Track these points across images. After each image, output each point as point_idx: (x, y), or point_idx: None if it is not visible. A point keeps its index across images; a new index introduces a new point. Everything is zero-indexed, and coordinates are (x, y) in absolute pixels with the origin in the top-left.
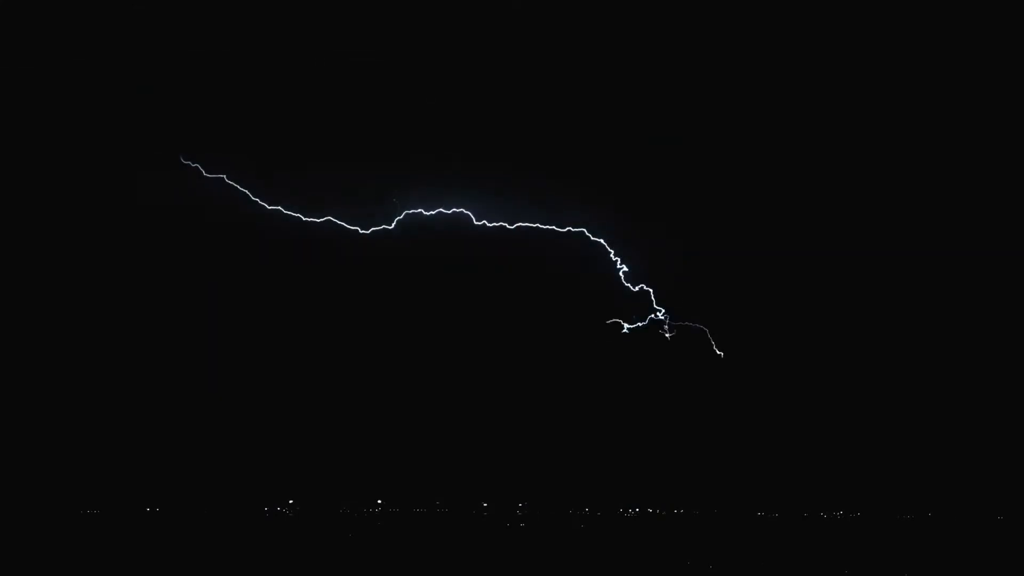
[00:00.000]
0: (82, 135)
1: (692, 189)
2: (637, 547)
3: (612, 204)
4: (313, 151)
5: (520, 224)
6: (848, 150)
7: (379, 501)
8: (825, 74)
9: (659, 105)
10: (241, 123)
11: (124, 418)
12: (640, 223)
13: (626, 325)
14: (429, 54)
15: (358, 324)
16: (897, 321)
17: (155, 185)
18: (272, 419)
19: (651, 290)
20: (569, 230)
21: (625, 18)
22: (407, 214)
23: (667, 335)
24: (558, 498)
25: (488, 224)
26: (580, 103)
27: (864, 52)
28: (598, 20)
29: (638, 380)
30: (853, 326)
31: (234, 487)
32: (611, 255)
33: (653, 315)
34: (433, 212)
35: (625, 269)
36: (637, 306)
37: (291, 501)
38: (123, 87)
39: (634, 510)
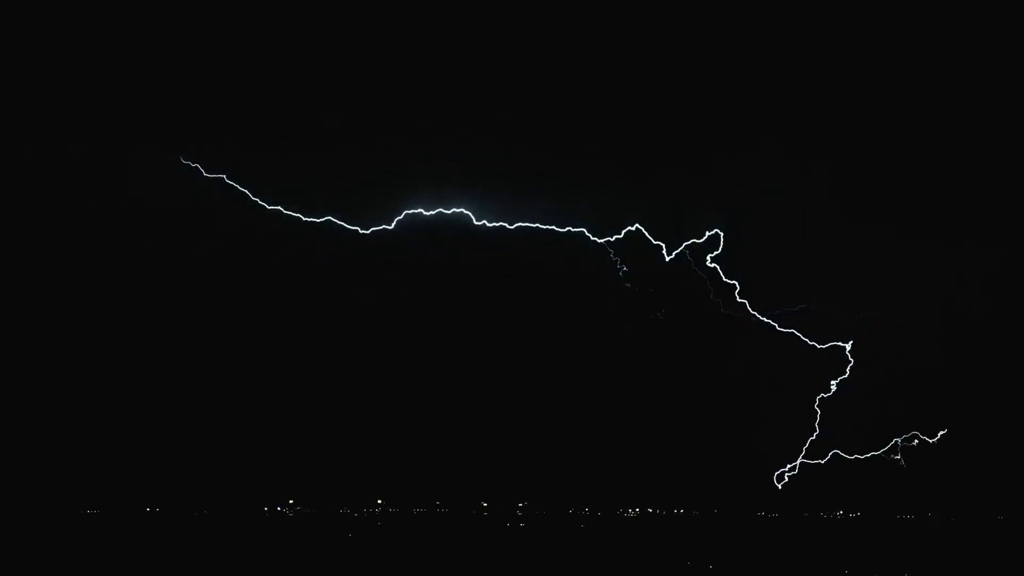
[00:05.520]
0: (81, 134)
1: (692, 188)
2: (637, 547)
3: (612, 204)
4: (314, 151)
5: (520, 224)
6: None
7: (379, 501)
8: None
9: (659, 103)
10: (241, 123)
11: (124, 418)
12: (641, 222)
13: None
14: (429, 53)
15: (358, 324)
16: (894, 320)
17: (154, 185)
18: (272, 419)
19: (651, 290)
20: (569, 230)
21: (624, 16)
22: (407, 214)
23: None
24: (558, 498)
25: (488, 224)
26: (580, 102)
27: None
28: (598, 18)
29: (638, 380)
30: (851, 326)
31: (234, 487)
32: (611, 255)
33: (653, 315)
34: (433, 212)
35: (625, 269)
36: (637, 306)
37: (291, 501)
38: (123, 86)
39: (634, 510)
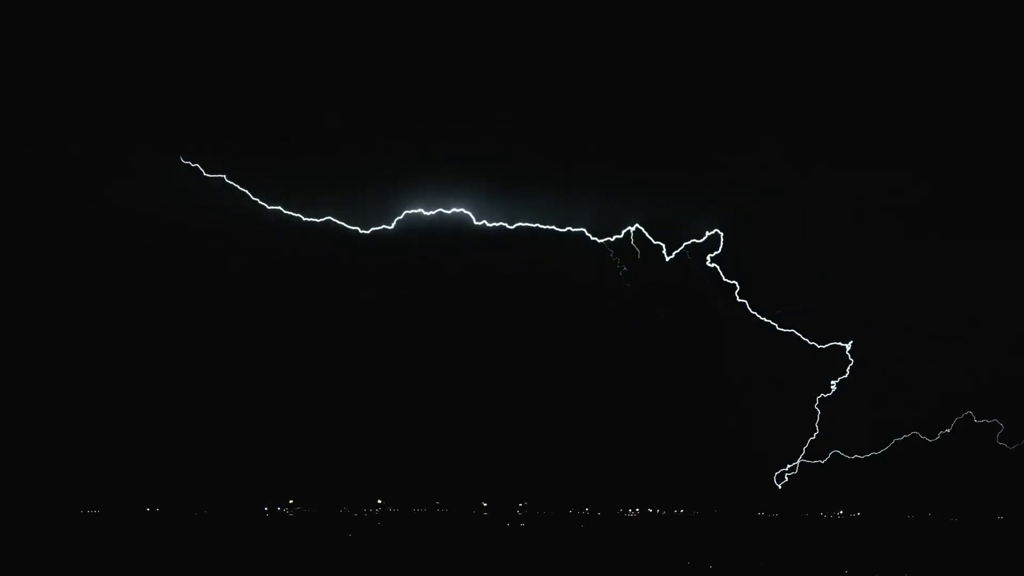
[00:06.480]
0: (81, 134)
1: (692, 188)
2: (637, 547)
3: (612, 204)
4: (314, 151)
5: (520, 224)
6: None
7: (379, 501)
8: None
9: (659, 104)
10: (241, 123)
11: (124, 418)
12: (641, 222)
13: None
14: (429, 53)
15: (358, 324)
16: (892, 322)
17: (154, 185)
18: (272, 419)
19: (651, 290)
20: (569, 230)
21: (625, 17)
22: (407, 214)
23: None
24: (558, 498)
25: (488, 224)
26: (580, 102)
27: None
28: (598, 18)
29: (638, 380)
30: (849, 328)
31: (234, 487)
32: (611, 255)
33: (653, 315)
34: (433, 212)
35: (625, 269)
36: (637, 306)
37: (291, 501)
38: (123, 86)
39: (634, 510)
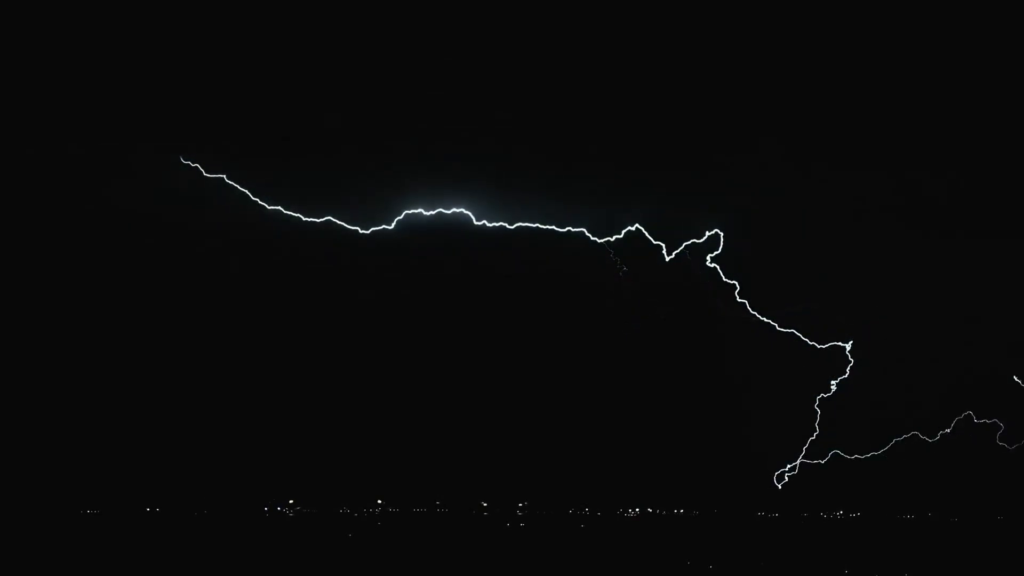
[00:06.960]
0: (81, 134)
1: (692, 188)
2: (637, 547)
3: (612, 203)
4: (313, 151)
5: (520, 224)
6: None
7: (379, 501)
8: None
9: (659, 104)
10: (241, 123)
11: (124, 418)
12: (641, 222)
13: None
14: (429, 53)
15: (358, 324)
16: (892, 322)
17: (154, 185)
18: (272, 419)
19: (651, 290)
20: (569, 230)
21: (623, 17)
22: (407, 214)
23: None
24: (558, 498)
25: (488, 224)
26: (580, 102)
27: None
28: (598, 19)
29: (638, 380)
30: (849, 328)
31: (234, 487)
32: (611, 255)
33: (653, 315)
34: (433, 212)
35: (625, 269)
36: (637, 306)
37: (291, 501)
38: (123, 86)
39: (634, 510)
